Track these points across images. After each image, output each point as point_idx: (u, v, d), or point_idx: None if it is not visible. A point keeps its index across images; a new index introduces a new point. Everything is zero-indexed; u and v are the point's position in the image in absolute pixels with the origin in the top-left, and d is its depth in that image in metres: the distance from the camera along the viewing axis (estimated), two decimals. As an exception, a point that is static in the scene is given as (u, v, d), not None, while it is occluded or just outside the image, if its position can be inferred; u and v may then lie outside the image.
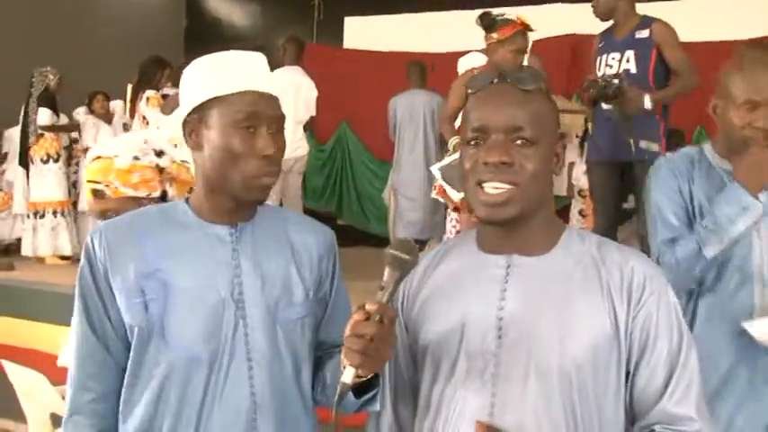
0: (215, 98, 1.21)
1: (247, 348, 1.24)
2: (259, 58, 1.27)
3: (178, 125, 1.28)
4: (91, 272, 1.25)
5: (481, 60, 4.06)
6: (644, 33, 3.63)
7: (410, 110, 5.49)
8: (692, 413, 1.07)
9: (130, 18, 10.18)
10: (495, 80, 1.13)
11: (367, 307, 1.04)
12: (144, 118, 5.23)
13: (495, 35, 3.47)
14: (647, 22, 3.66)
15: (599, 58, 3.80)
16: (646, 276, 1.10)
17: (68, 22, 8.80)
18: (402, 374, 1.23)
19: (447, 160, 3.68)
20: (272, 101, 1.24)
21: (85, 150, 6.61)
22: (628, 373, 1.10)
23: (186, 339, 1.21)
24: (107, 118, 6.84)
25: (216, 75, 1.22)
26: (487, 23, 3.50)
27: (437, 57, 7.45)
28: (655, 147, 3.60)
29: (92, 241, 1.26)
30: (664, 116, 3.65)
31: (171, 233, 1.26)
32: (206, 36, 11.20)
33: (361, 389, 1.14)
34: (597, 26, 3.99)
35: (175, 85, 5.28)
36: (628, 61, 3.64)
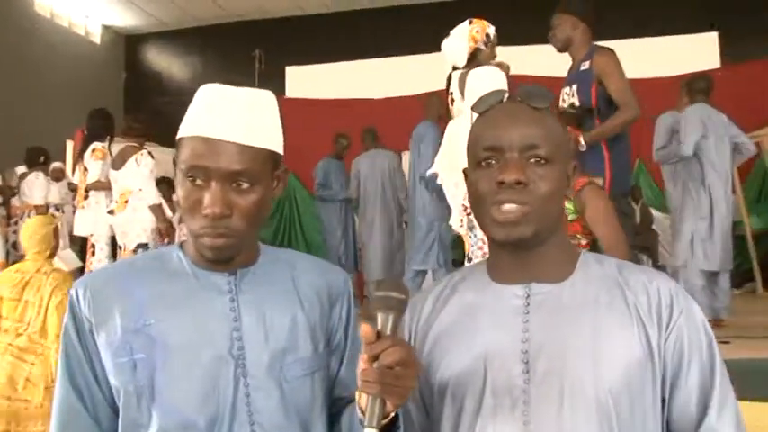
0: (180, 138, 1.09)
1: (249, 410, 1.09)
2: (245, 98, 1.08)
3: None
4: (75, 328, 1.11)
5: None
6: (586, 65, 3.53)
7: (372, 168, 6.28)
8: None
9: (70, 72, 9.99)
10: (504, 99, 1.08)
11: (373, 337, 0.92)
12: (85, 168, 5.06)
13: None
14: (590, 52, 3.54)
15: (560, 92, 3.72)
16: (672, 295, 1.05)
17: (8, 77, 8.59)
18: (412, 421, 1.12)
19: None
20: (230, 152, 1.05)
21: (31, 207, 6.42)
22: (663, 399, 1.04)
23: (179, 403, 1.07)
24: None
25: (191, 111, 1.08)
26: None
27: (378, 102, 7.54)
28: (598, 182, 3.40)
29: (76, 293, 1.12)
30: (609, 148, 3.51)
31: (163, 283, 1.12)
32: (146, 89, 11.07)
33: None
34: (552, 68, 3.99)
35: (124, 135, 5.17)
36: (573, 96, 3.58)
